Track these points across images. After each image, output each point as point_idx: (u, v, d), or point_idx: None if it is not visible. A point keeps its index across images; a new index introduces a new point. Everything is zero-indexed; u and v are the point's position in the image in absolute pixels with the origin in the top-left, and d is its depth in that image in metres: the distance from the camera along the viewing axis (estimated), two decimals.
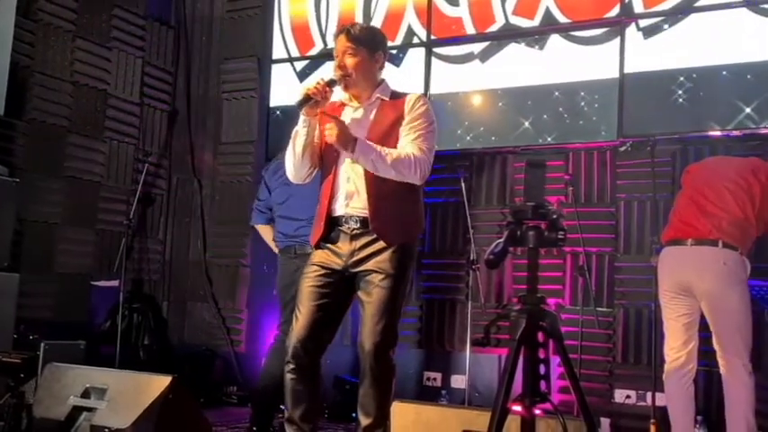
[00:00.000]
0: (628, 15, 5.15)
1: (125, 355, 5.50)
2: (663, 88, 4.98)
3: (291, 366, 3.13)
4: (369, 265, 3.10)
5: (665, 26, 5.03)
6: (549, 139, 5.34)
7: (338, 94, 3.28)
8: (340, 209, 3.15)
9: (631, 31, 5.13)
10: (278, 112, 6.35)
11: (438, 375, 5.59)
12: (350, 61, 3.18)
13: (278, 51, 6.44)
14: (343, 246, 3.14)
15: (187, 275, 6.68)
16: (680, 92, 4.94)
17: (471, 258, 5.14)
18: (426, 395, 5.44)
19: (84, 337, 5.23)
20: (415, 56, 5.89)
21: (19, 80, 5.30)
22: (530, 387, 2.00)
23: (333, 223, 3.17)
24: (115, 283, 5.84)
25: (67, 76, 5.83)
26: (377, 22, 6.04)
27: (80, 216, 5.93)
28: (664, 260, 3.95)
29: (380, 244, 3.10)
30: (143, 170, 6.03)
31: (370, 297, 3.09)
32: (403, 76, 5.85)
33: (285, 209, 4.33)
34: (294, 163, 3.24)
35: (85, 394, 3.78)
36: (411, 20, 5.94)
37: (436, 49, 5.83)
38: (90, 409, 3.73)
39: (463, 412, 3.11)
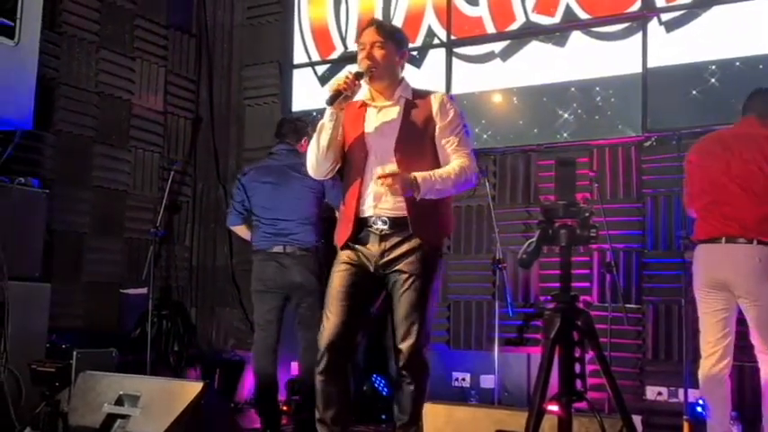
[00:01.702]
0: (650, 9, 5.12)
1: (155, 361, 5.54)
2: (687, 82, 4.95)
3: (322, 367, 3.12)
4: (399, 266, 3.11)
5: (688, 19, 4.99)
6: (573, 136, 5.33)
7: (358, 94, 3.24)
8: (368, 210, 3.14)
9: (653, 26, 5.10)
10: None
11: (467, 375, 5.57)
12: (378, 53, 3.17)
13: (299, 56, 6.47)
14: (373, 247, 3.14)
15: (214, 281, 6.72)
16: (704, 85, 4.90)
17: (497, 257, 5.12)
18: (455, 395, 5.43)
19: (115, 345, 5.27)
20: (436, 56, 5.90)
21: (46, 92, 5.36)
22: (566, 386, 1.99)
23: (361, 224, 3.16)
24: (144, 290, 5.88)
25: (92, 86, 5.89)
26: (397, 23, 6.03)
27: (108, 225, 5.99)
28: (699, 256, 3.93)
29: (410, 245, 3.10)
30: (169, 178, 6.07)
31: (402, 299, 3.10)
32: (424, 77, 5.86)
33: (270, 211, 4.55)
34: (317, 157, 3.22)
35: (119, 402, 3.82)
36: (431, 20, 5.94)
37: (457, 50, 5.83)
38: (124, 417, 3.76)
39: (495, 412, 3.10)
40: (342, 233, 3.22)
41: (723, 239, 3.81)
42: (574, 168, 2.14)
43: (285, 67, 6.55)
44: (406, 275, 3.09)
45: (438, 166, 3.17)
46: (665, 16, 5.07)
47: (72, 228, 5.70)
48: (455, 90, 5.75)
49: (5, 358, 4.08)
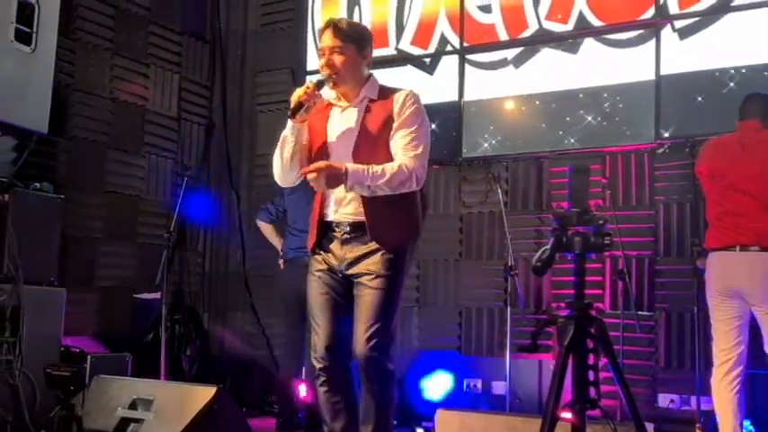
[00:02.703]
0: (663, 17, 5.12)
1: (168, 366, 5.56)
2: (700, 89, 4.95)
3: (323, 378, 3.09)
4: (360, 268, 3.04)
5: (702, 26, 4.99)
6: (585, 142, 5.33)
7: (324, 92, 3.18)
8: (331, 214, 3.11)
9: (667, 33, 5.10)
10: None
11: (478, 382, 5.57)
12: (338, 59, 3.06)
13: (312, 62, 6.49)
14: (336, 250, 3.09)
15: (227, 286, 6.75)
16: (717, 92, 4.90)
17: (509, 264, 5.12)
18: (467, 402, 5.44)
19: (128, 349, 5.31)
20: (449, 63, 5.92)
21: (60, 98, 5.40)
22: (579, 394, 2.00)
23: (326, 228, 3.13)
24: (157, 295, 5.91)
25: (107, 93, 5.93)
26: (410, 30, 6.08)
27: (121, 230, 6.02)
28: (712, 264, 3.93)
29: (371, 246, 3.03)
30: (182, 183, 6.10)
31: (362, 299, 3.02)
32: (437, 84, 5.89)
33: (294, 222, 4.82)
34: (282, 167, 3.17)
35: (133, 406, 3.85)
36: (444, 27, 5.96)
37: (469, 56, 5.84)
38: (137, 421, 3.80)
39: (508, 419, 3.12)
40: (310, 237, 3.20)
41: (737, 248, 3.80)
42: (588, 176, 2.14)
43: (298, 74, 6.58)
44: (366, 276, 3.02)
45: None
46: (679, 23, 5.07)
47: (86, 233, 5.74)
48: (468, 97, 5.78)
49: (21, 362, 4.10)
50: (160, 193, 6.36)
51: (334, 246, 3.10)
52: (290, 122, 3.08)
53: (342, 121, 3.15)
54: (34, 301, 4.27)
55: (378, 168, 2.96)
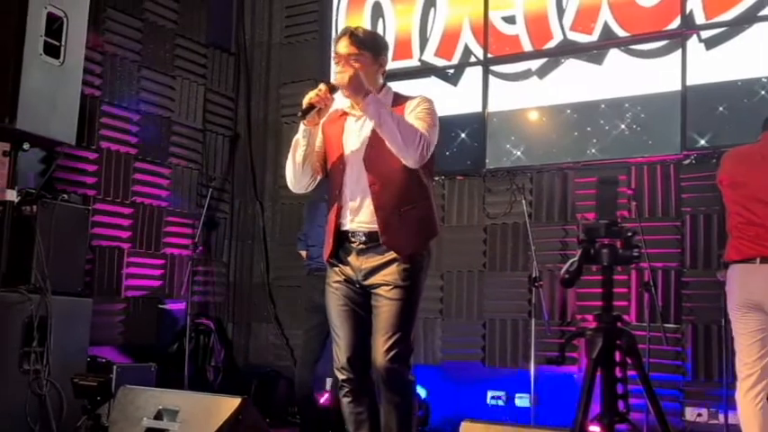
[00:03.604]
0: (689, 27, 5.09)
1: (192, 376, 5.59)
2: (726, 100, 4.91)
3: (346, 389, 3.09)
4: (377, 279, 3.03)
5: (728, 37, 4.96)
6: (610, 153, 5.30)
7: (339, 101, 3.17)
8: (347, 223, 3.09)
9: (693, 43, 5.07)
10: None
11: (502, 394, 5.54)
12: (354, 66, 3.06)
13: (327, 81, 6.49)
14: (353, 261, 3.08)
15: (251, 297, 6.78)
16: (744, 102, 4.85)
17: (534, 276, 5.10)
18: (490, 414, 5.41)
19: (153, 360, 5.35)
20: (473, 74, 5.92)
21: (88, 110, 5.47)
22: (608, 407, 1.98)
23: (342, 238, 3.11)
24: (182, 305, 5.96)
25: (133, 105, 6.00)
26: (434, 41, 6.09)
27: (147, 241, 6.07)
28: (732, 276, 3.87)
29: (388, 256, 3.02)
30: (207, 194, 6.15)
31: (380, 310, 3.01)
32: (461, 95, 5.89)
33: (314, 235, 4.73)
34: (294, 172, 3.18)
35: (158, 416, 3.85)
36: (468, 39, 5.97)
37: (493, 68, 5.84)
38: (163, 431, 3.80)
39: None
40: (326, 247, 3.18)
41: (758, 260, 3.73)
42: (616, 187, 2.13)
43: None
44: (383, 287, 3.01)
45: (414, 175, 3.06)
46: (705, 34, 5.03)
47: (112, 243, 5.79)
48: (491, 108, 5.77)
49: (48, 372, 4.14)
50: (185, 203, 6.40)
51: (351, 257, 3.09)
52: (301, 125, 3.09)
53: (357, 129, 3.15)
54: (62, 311, 4.30)
55: (399, 115, 2.97)
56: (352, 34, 3.11)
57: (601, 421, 2.01)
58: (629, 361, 2.04)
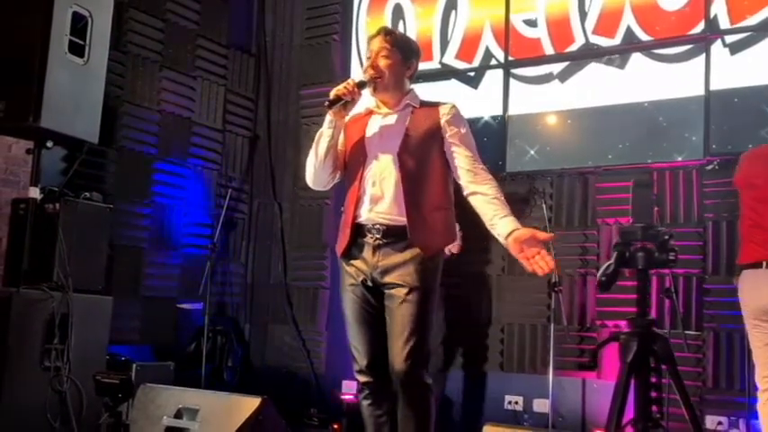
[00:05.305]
0: (713, 31, 5.06)
1: (210, 376, 5.59)
2: (750, 105, 4.87)
3: (366, 392, 3.09)
4: (393, 278, 2.98)
5: (753, 41, 4.92)
6: (632, 158, 5.26)
7: (363, 102, 3.19)
8: (365, 213, 3.05)
9: (717, 47, 5.04)
10: None
11: (520, 399, 5.51)
12: (383, 62, 3.10)
13: (357, 76, 6.50)
14: (368, 257, 3.04)
15: (268, 298, 6.77)
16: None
17: (553, 281, 5.07)
18: (508, 419, 5.37)
19: (170, 359, 5.36)
20: (493, 77, 5.90)
21: (110, 110, 5.49)
22: (641, 412, 1.96)
23: (358, 231, 3.07)
24: (200, 305, 5.97)
25: (155, 105, 6.02)
26: (454, 44, 6.08)
27: (166, 240, 6.09)
28: (743, 284, 3.74)
29: (405, 255, 2.99)
30: (226, 195, 6.16)
31: (396, 312, 2.97)
32: (481, 98, 5.87)
33: None
34: (315, 166, 3.15)
35: (178, 415, 3.87)
36: (489, 41, 5.95)
37: (514, 71, 5.82)
38: (183, 430, 3.82)
39: None
40: (340, 241, 3.14)
41: (764, 264, 3.65)
42: (651, 190, 2.11)
43: None
44: (399, 288, 2.97)
45: (444, 173, 3.09)
46: (730, 38, 4.99)
47: (131, 242, 5.80)
48: (512, 111, 5.75)
49: (69, 369, 4.15)
50: (204, 203, 6.41)
51: (366, 253, 3.05)
52: (327, 116, 3.09)
53: (384, 123, 3.15)
54: (82, 308, 4.32)
55: (502, 199, 2.97)
56: (387, 31, 3.18)
57: (634, 426, 1.99)
58: (663, 367, 2.01)
